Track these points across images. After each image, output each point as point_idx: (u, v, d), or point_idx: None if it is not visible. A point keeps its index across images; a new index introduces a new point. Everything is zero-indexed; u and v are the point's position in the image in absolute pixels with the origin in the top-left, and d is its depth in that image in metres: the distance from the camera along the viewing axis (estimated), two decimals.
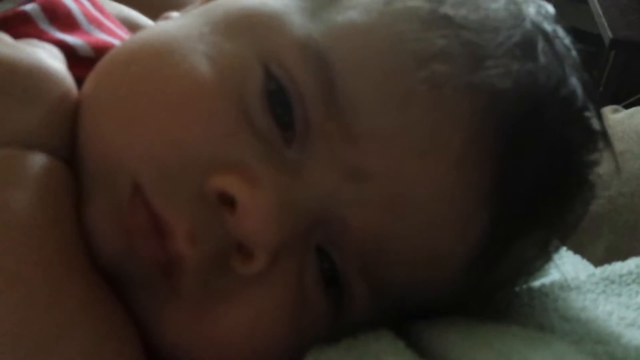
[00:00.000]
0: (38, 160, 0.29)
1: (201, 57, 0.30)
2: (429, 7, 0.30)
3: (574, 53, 0.33)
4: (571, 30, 0.35)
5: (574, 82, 0.32)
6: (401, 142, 0.29)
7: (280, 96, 0.30)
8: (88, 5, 0.41)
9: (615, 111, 0.72)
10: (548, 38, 0.32)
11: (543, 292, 0.37)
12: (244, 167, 0.29)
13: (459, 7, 0.31)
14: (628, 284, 0.38)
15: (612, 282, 0.38)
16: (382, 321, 0.32)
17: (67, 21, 0.38)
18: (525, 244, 0.33)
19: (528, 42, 0.31)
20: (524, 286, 0.37)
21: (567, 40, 0.33)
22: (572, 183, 0.33)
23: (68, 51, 0.35)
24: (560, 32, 0.33)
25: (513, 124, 0.30)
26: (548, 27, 0.32)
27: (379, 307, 0.32)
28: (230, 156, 0.29)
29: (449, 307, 0.33)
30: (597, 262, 0.46)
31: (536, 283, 0.38)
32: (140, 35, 0.34)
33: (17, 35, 0.34)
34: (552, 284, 0.38)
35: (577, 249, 0.49)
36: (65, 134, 0.31)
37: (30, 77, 0.30)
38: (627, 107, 0.76)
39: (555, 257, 0.38)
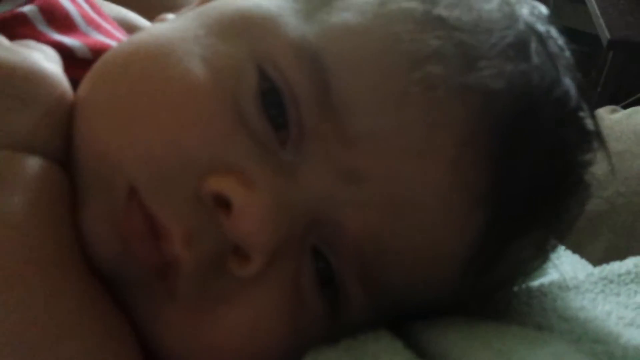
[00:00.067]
0: (34, 163, 0.29)
1: (196, 59, 0.30)
2: (423, 8, 0.31)
3: (567, 53, 0.34)
4: (569, 31, 0.35)
5: (568, 82, 0.32)
6: (396, 143, 0.29)
7: (275, 98, 0.30)
8: (86, 7, 0.41)
9: (614, 111, 0.72)
10: (541, 39, 0.32)
11: (542, 291, 0.37)
12: (239, 169, 0.29)
13: (453, 8, 0.31)
14: (627, 284, 0.38)
15: (611, 281, 0.38)
16: (381, 321, 0.32)
17: (64, 23, 0.38)
18: (522, 243, 0.33)
19: (521, 42, 0.31)
20: (523, 286, 0.37)
21: (560, 41, 0.34)
22: (567, 182, 0.33)
23: (66, 53, 0.35)
24: (554, 32, 0.33)
25: (507, 124, 0.30)
26: (541, 27, 0.33)
27: (376, 308, 0.32)
28: (225, 158, 0.29)
29: (447, 307, 0.33)
30: (596, 261, 0.46)
31: (535, 283, 0.38)
32: (135, 37, 0.34)
33: (15, 36, 0.34)
34: (550, 283, 0.38)
35: (576, 249, 0.49)
36: (61, 136, 0.31)
37: (26, 81, 0.30)
38: (625, 107, 0.76)
39: (554, 256, 0.38)
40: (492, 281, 0.34)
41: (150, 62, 0.31)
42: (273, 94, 0.30)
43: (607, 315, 0.34)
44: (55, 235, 0.29)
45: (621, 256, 0.41)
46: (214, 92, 0.30)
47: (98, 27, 0.40)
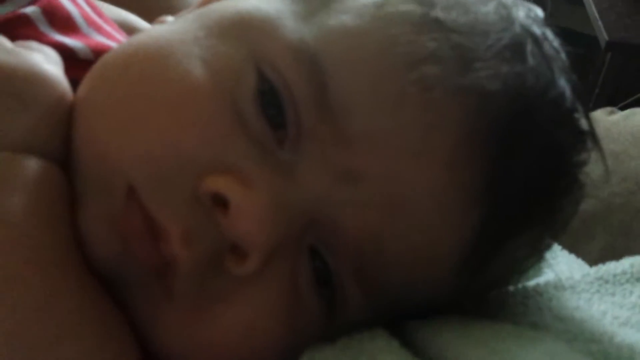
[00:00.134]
0: (33, 164, 0.29)
1: (196, 60, 0.30)
2: (421, 11, 0.31)
3: (563, 55, 0.34)
4: (567, 32, 0.35)
5: (563, 83, 0.32)
6: (393, 143, 0.29)
7: (273, 98, 0.30)
8: (87, 8, 0.41)
9: (611, 113, 0.72)
10: (537, 41, 0.32)
11: (537, 291, 0.37)
12: (237, 169, 0.29)
13: (450, 10, 0.31)
14: (622, 284, 0.38)
15: (606, 281, 0.38)
16: (377, 320, 0.33)
17: (66, 24, 0.38)
18: (517, 243, 0.33)
19: (517, 44, 0.31)
20: (519, 285, 0.38)
21: (556, 43, 0.34)
22: (562, 182, 0.33)
23: (67, 54, 0.36)
24: (550, 34, 0.34)
25: (503, 125, 0.30)
26: (537, 30, 0.33)
27: (373, 307, 0.32)
28: (223, 158, 0.29)
29: (443, 306, 0.34)
30: (593, 261, 0.46)
31: (531, 283, 0.38)
32: (135, 39, 0.34)
33: (17, 37, 0.34)
34: (546, 283, 0.38)
35: (573, 249, 0.49)
36: (60, 138, 0.31)
37: (26, 82, 0.30)
38: (622, 108, 0.77)
39: (550, 256, 0.38)
40: (487, 280, 0.35)
41: (150, 64, 0.31)
42: (271, 95, 0.30)
43: (602, 315, 0.35)
44: (54, 235, 0.29)
45: (617, 256, 0.42)
46: (213, 93, 0.30)
47: (99, 29, 0.40)
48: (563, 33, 0.35)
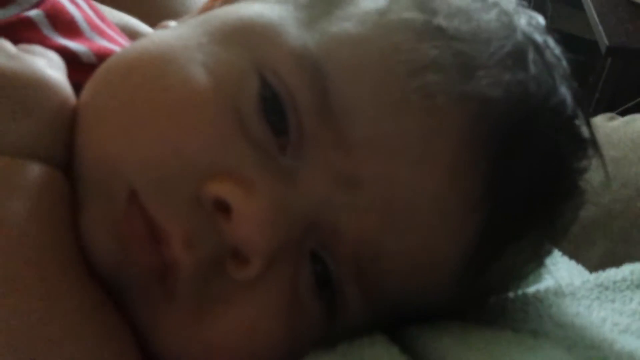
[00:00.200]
0: (35, 169, 0.29)
1: (198, 66, 0.31)
2: (423, 18, 0.31)
3: (564, 63, 0.34)
4: (567, 37, 0.35)
5: (564, 91, 0.33)
6: (394, 149, 0.30)
7: (275, 104, 0.30)
8: (90, 12, 0.41)
9: (611, 119, 0.72)
10: (539, 48, 0.33)
11: (537, 297, 0.37)
12: (239, 174, 0.29)
13: (452, 18, 0.31)
14: (622, 291, 0.38)
15: (606, 288, 0.39)
16: (377, 325, 0.33)
17: (70, 27, 0.38)
18: (517, 248, 0.33)
19: (519, 52, 0.31)
20: (519, 292, 0.38)
21: (557, 51, 0.34)
22: (562, 189, 0.34)
23: (70, 57, 0.36)
24: (551, 42, 0.34)
25: (504, 132, 0.30)
26: (539, 37, 0.33)
27: (373, 312, 0.32)
28: (225, 163, 0.29)
29: (443, 311, 0.34)
30: (593, 268, 0.47)
31: (531, 289, 0.38)
32: (138, 44, 0.34)
33: (21, 40, 0.34)
34: (546, 290, 0.38)
35: (573, 255, 0.49)
36: (63, 143, 0.31)
37: (28, 88, 0.31)
38: (622, 112, 0.77)
39: (550, 262, 0.38)
40: (487, 285, 0.35)
41: (153, 69, 0.31)
42: (274, 101, 0.30)
43: (602, 322, 0.35)
44: (56, 238, 0.29)
45: (617, 263, 0.42)
46: (216, 99, 0.30)
47: (102, 33, 0.40)
48: (563, 38, 0.35)
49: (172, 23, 0.38)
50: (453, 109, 0.30)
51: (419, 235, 0.30)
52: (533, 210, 0.32)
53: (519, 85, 0.31)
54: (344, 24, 0.31)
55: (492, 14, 0.32)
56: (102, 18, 0.42)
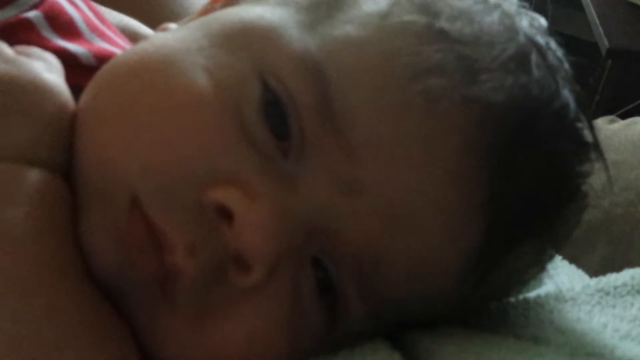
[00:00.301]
0: (34, 175, 0.29)
1: (199, 70, 0.30)
2: (425, 21, 0.31)
3: (566, 65, 0.34)
4: (568, 39, 0.35)
5: (567, 94, 0.32)
6: (396, 153, 0.29)
7: (277, 108, 0.30)
8: (89, 14, 0.41)
9: (612, 122, 0.72)
10: (541, 51, 0.32)
11: (538, 303, 0.37)
12: (241, 180, 0.29)
13: (454, 21, 0.31)
14: (622, 296, 0.38)
15: (607, 293, 0.38)
16: (379, 331, 0.33)
17: (69, 29, 0.38)
18: (519, 253, 0.33)
19: (522, 55, 0.31)
20: (520, 297, 0.38)
21: (559, 53, 0.34)
22: (565, 193, 0.33)
23: (69, 59, 0.36)
24: (553, 44, 0.34)
25: (507, 136, 0.30)
26: (541, 40, 0.33)
27: (375, 317, 0.32)
28: (227, 168, 0.29)
29: (445, 317, 0.34)
30: (593, 272, 0.46)
31: (531, 294, 0.38)
32: (138, 47, 0.34)
33: (19, 41, 0.34)
34: (547, 295, 0.38)
35: (573, 259, 0.49)
36: (62, 148, 0.31)
37: (27, 92, 0.30)
38: (622, 115, 0.77)
39: (551, 267, 0.38)
40: (489, 291, 0.35)
41: (154, 73, 0.31)
42: (275, 105, 0.30)
43: (602, 328, 0.35)
44: (56, 245, 0.29)
45: (617, 267, 0.42)
46: (217, 103, 0.30)
47: (102, 35, 0.40)
48: (564, 40, 0.35)
49: (173, 25, 0.38)
50: (456, 113, 0.29)
51: (421, 239, 0.30)
52: (536, 216, 0.32)
53: (521, 89, 0.30)
54: (345, 27, 0.31)
55: (495, 17, 0.32)
56: (102, 19, 0.42)
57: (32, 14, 0.37)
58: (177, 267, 0.29)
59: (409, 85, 0.29)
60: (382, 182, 0.30)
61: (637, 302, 0.37)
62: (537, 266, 0.37)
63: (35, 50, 0.33)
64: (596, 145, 0.34)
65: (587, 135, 0.34)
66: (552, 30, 0.35)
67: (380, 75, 0.30)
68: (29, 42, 0.34)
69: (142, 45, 0.34)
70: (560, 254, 0.46)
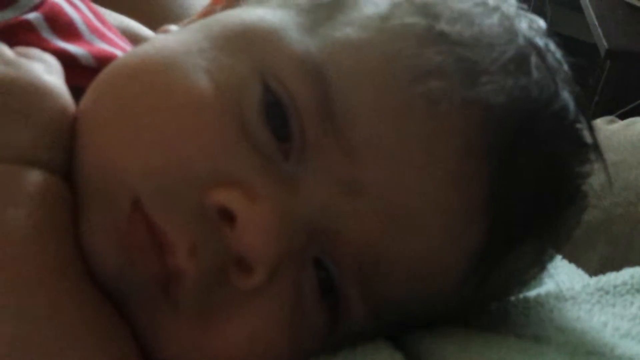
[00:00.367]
0: (35, 176, 0.29)
1: (201, 72, 0.31)
2: (425, 24, 0.31)
3: (565, 67, 0.34)
4: (567, 40, 0.35)
5: (566, 95, 0.33)
6: (397, 155, 0.30)
7: (278, 110, 0.30)
8: (89, 15, 0.41)
9: (611, 122, 0.73)
10: (540, 53, 0.33)
11: (538, 302, 0.37)
12: (242, 182, 0.29)
13: (454, 23, 0.31)
14: (622, 295, 0.38)
15: (607, 292, 0.39)
16: (380, 331, 0.33)
17: (69, 30, 0.38)
18: (520, 253, 0.33)
19: (521, 57, 0.31)
20: (520, 296, 0.38)
21: (559, 55, 0.34)
22: (565, 194, 0.34)
23: (69, 60, 0.36)
24: (552, 46, 0.34)
25: (507, 137, 0.30)
26: (540, 42, 0.33)
27: (376, 318, 0.32)
28: (229, 170, 0.29)
29: (446, 317, 0.34)
30: (592, 271, 0.47)
31: (532, 293, 0.38)
32: (140, 49, 0.34)
33: (19, 43, 0.34)
34: (547, 294, 0.38)
35: (573, 259, 0.49)
36: (62, 149, 0.31)
37: (26, 94, 0.30)
38: (621, 115, 0.77)
39: (551, 266, 0.38)
40: (490, 291, 0.35)
41: (154, 75, 0.31)
42: (276, 107, 0.30)
43: (603, 327, 0.35)
44: (56, 246, 0.29)
45: (617, 267, 0.42)
46: (218, 105, 0.30)
47: (102, 36, 0.40)
48: (563, 40, 0.35)
49: (173, 27, 0.38)
50: (456, 115, 0.30)
51: (422, 240, 0.30)
52: (537, 216, 0.32)
53: (521, 90, 0.31)
54: (346, 29, 0.31)
55: (494, 19, 0.32)
56: (102, 20, 0.42)
57: (32, 16, 0.37)
58: (179, 268, 0.29)
59: (410, 87, 0.30)
60: (383, 183, 0.30)
61: (636, 301, 0.37)
62: (537, 266, 0.37)
63: (36, 52, 0.34)
64: (596, 146, 0.34)
65: (587, 136, 0.34)
66: (551, 31, 0.35)
67: (380, 77, 0.30)
68: (29, 44, 0.34)
69: (143, 48, 0.34)
70: (560, 254, 0.47)
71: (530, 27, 0.33)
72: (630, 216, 0.60)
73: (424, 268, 0.31)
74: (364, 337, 0.32)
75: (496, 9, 0.33)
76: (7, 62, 0.31)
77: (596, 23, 1.54)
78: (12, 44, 0.33)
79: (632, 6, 1.60)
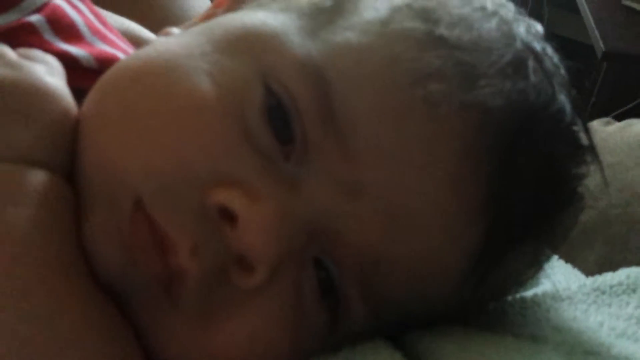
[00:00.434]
0: (36, 176, 0.30)
1: (203, 75, 0.31)
2: (425, 28, 0.31)
3: (562, 70, 0.35)
4: (564, 41, 0.36)
5: (563, 98, 0.33)
6: (397, 157, 0.30)
7: (280, 113, 0.31)
8: (91, 17, 0.41)
9: (607, 124, 0.73)
10: (538, 57, 0.33)
11: (535, 302, 0.37)
12: (244, 182, 0.29)
13: (454, 28, 0.32)
14: (618, 295, 0.39)
15: (603, 292, 0.39)
16: (380, 331, 0.33)
17: (70, 32, 0.38)
18: (518, 254, 0.34)
19: (519, 61, 0.32)
20: (517, 296, 0.38)
21: (556, 59, 0.35)
22: (562, 195, 0.34)
23: (71, 62, 0.36)
24: (550, 50, 0.34)
25: (505, 140, 0.31)
26: (538, 46, 0.34)
27: (376, 317, 0.32)
28: (230, 171, 0.30)
29: (445, 317, 0.34)
30: (589, 272, 0.47)
31: (528, 293, 0.39)
32: (142, 52, 0.34)
33: (21, 45, 0.34)
34: (544, 294, 0.38)
35: (569, 259, 0.49)
36: (65, 150, 0.31)
37: (28, 95, 0.31)
38: (618, 117, 0.77)
39: (547, 266, 0.39)
40: (488, 292, 0.35)
41: (156, 77, 0.31)
42: (278, 109, 0.31)
43: (599, 326, 0.35)
44: (58, 246, 0.29)
45: (614, 267, 0.42)
46: (220, 107, 0.30)
47: (103, 38, 0.40)
48: (560, 42, 0.36)
49: (175, 30, 0.38)
50: (455, 118, 0.30)
51: (421, 241, 0.31)
52: (535, 218, 0.33)
53: (519, 94, 0.31)
54: (346, 33, 0.32)
55: (493, 23, 0.33)
56: (104, 22, 0.42)
57: (34, 18, 0.37)
58: (181, 267, 0.29)
59: (410, 90, 0.30)
60: (383, 184, 0.30)
61: (632, 301, 0.38)
62: (535, 266, 0.37)
63: (38, 54, 0.34)
64: (592, 148, 0.35)
65: (583, 138, 0.35)
66: (548, 33, 0.35)
67: (381, 80, 0.30)
68: (31, 46, 0.35)
69: (145, 50, 0.34)
70: (557, 254, 0.47)
71: (528, 32, 0.34)
72: (627, 217, 0.60)
73: (424, 268, 0.31)
74: (364, 337, 0.32)
75: (495, 13, 0.34)
76: (10, 64, 0.32)
77: (593, 25, 1.55)
78: (14, 45, 0.34)
79: (629, 9, 1.60)
